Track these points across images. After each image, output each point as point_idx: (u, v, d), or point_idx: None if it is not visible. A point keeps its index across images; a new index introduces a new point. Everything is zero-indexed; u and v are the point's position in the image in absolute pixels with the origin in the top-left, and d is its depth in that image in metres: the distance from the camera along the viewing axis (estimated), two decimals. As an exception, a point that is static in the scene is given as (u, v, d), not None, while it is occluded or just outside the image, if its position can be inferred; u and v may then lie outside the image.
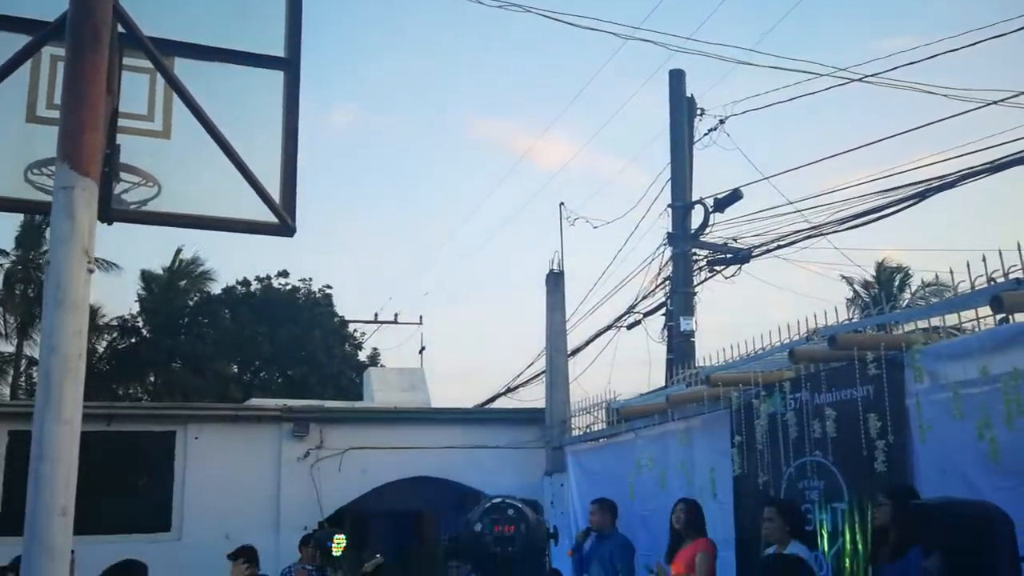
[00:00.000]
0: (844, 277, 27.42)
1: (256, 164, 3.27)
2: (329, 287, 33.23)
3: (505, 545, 2.50)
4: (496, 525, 2.52)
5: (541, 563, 2.84)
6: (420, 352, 26.62)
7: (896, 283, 28.21)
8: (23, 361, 29.04)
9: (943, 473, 5.44)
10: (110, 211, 2.73)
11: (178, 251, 31.79)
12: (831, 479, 6.51)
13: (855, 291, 28.30)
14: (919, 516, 3.96)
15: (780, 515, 6.12)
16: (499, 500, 2.61)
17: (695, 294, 12.78)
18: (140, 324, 31.06)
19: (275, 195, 3.26)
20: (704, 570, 6.79)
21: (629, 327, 15.36)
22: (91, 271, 2.07)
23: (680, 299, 12.59)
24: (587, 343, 16.22)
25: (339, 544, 8.88)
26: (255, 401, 16.35)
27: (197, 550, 10.73)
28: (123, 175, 3.15)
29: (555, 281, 12.83)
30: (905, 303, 7.06)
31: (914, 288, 26.23)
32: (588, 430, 11.13)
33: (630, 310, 14.95)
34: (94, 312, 28.25)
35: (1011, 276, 4.94)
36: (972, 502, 4.12)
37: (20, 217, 29.46)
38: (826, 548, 6.48)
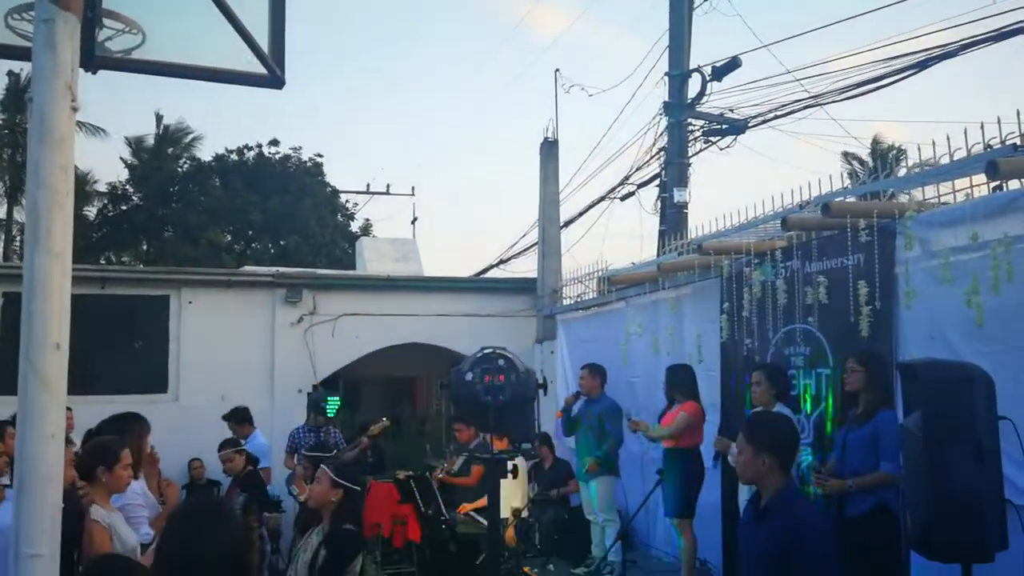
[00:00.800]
0: (846, 153, 27.26)
1: (244, 14, 3.17)
2: (320, 156, 32.92)
3: (495, 394, 2.55)
4: (487, 375, 2.57)
5: (530, 412, 2.92)
6: (412, 223, 26.62)
7: (891, 160, 28.05)
8: (14, 227, 28.92)
9: (927, 338, 5.53)
10: (94, 58, 2.66)
11: (160, 117, 31.28)
12: (817, 345, 6.62)
13: (852, 167, 28.13)
14: (904, 374, 4.04)
15: (767, 379, 6.28)
16: (490, 351, 2.65)
17: (690, 165, 12.69)
18: (130, 191, 30.81)
19: (263, 45, 3.17)
20: (677, 424, 6.97)
21: (623, 198, 15.31)
22: (75, 109, 2.02)
23: (674, 170, 12.50)
24: (580, 214, 16.20)
25: (332, 405, 9.07)
26: (248, 268, 16.38)
27: (193, 411, 10.96)
28: (106, 21, 3.05)
29: (549, 150, 12.71)
30: (901, 174, 7.00)
31: (911, 162, 26.06)
32: (579, 299, 11.22)
33: (624, 181, 14.87)
34: (84, 178, 28.03)
35: (1008, 142, 4.90)
36: (954, 363, 4.22)
37: (4, 80, 28.85)
38: (808, 411, 6.65)
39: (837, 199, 6.13)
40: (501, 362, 2.67)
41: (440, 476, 8.95)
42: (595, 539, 8.26)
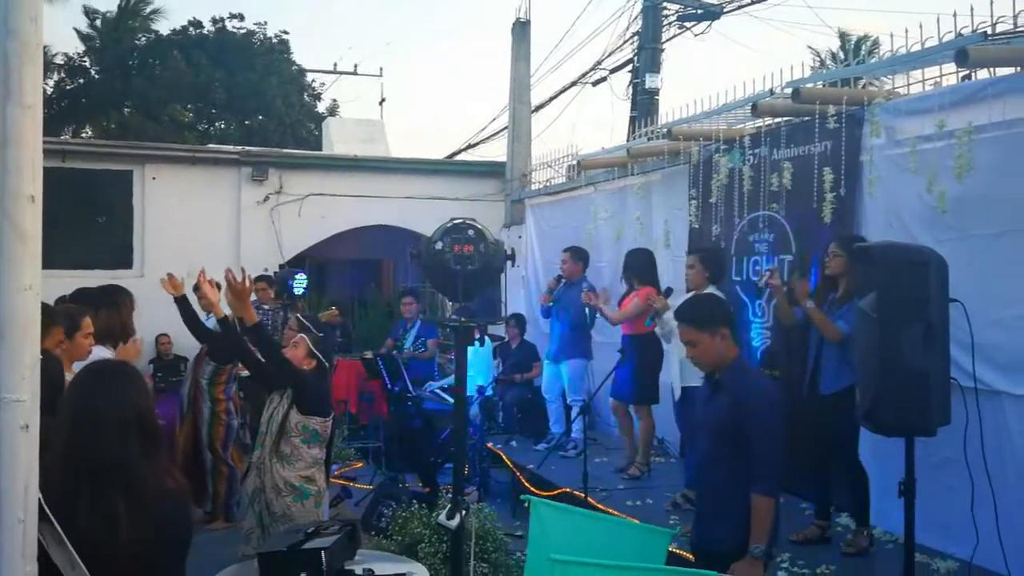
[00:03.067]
0: (809, 47, 26.99)
1: None
2: (286, 33, 32.07)
3: (464, 263, 2.60)
4: (456, 245, 2.61)
5: (497, 281, 2.98)
6: (380, 104, 26.16)
7: (863, 51, 27.83)
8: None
9: (888, 226, 5.64)
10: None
11: (122, -15, 30.14)
12: (780, 231, 6.72)
13: (819, 57, 27.93)
14: (859, 256, 4.14)
15: (701, 262, 6.37)
16: (460, 220, 2.69)
17: (663, 51, 12.57)
18: (87, 64, 29.87)
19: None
20: (630, 310, 7.10)
21: (594, 84, 15.18)
22: (40, -44, 1.98)
23: (648, 54, 12.38)
24: (551, 99, 16.09)
25: (300, 283, 9.11)
26: (214, 145, 16.11)
27: (159, 287, 10.94)
28: None
29: (521, 31, 12.49)
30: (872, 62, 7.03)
31: (883, 52, 25.95)
32: (548, 184, 11.22)
33: (596, 66, 14.73)
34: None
35: (979, 31, 4.91)
36: (909, 246, 4.33)
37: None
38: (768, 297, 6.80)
39: (807, 85, 6.13)
40: (471, 232, 2.71)
41: (402, 354, 9.12)
42: (552, 417, 8.50)
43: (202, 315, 7.05)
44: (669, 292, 6.74)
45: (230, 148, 13.26)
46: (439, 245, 2.70)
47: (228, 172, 11.94)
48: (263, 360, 4.67)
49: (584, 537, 3.86)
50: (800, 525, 5.63)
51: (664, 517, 6.11)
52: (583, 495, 6.44)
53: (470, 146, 21.45)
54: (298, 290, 9.11)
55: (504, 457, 8.10)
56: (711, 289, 6.09)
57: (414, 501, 6.04)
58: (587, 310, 7.92)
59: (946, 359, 3.99)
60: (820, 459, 5.55)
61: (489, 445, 8.32)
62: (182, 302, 6.88)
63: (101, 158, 11.71)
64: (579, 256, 8.26)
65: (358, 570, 3.24)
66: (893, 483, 5.17)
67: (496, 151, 21.74)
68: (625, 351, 6.86)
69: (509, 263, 2.98)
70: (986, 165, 4.93)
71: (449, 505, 2.69)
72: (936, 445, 4.48)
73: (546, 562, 3.13)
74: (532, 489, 7.12)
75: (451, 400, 8.49)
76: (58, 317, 4.36)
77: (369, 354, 9.42)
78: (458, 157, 20.26)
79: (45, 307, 4.25)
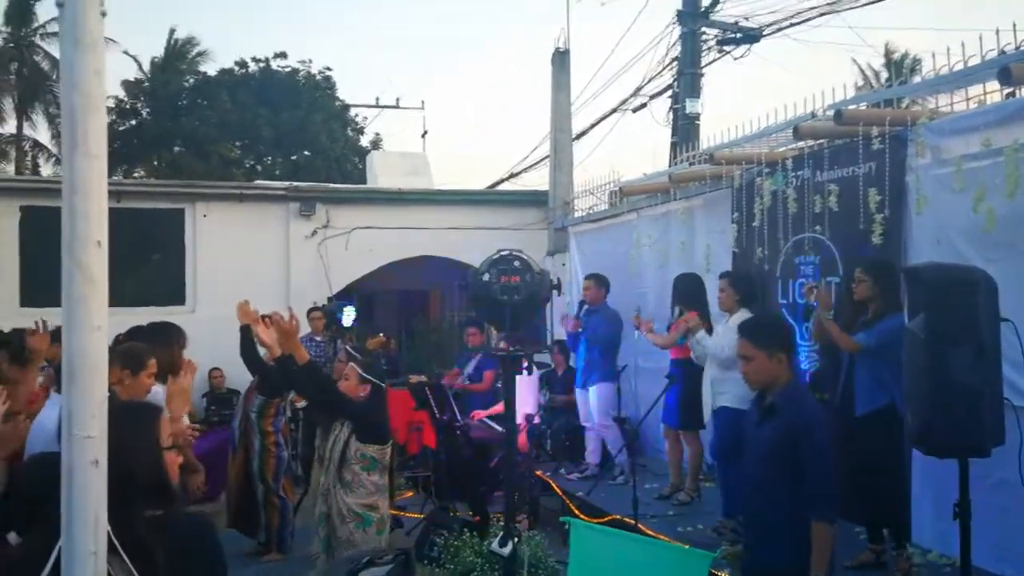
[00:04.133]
0: (854, 61, 26.82)
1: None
2: (329, 69, 32.63)
3: (511, 293, 2.65)
4: (503, 275, 2.67)
5: (541, 311, 3.05)
6: (423, 136, 26.50)
7: (907, 68, 27.58)
8: (26, 142, 28.91)
9: (936, 244, 5.60)
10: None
11: (172, 31, 30.99)
12: (827, 253, 6.69)
13: (864, 75, 27.76)
14: (908, 277, 4.12)
15: (731, 285, 6.39)
16: (506, 252, 2.75)
17: (702, 75, 12.61)
18: (139, 106, 30.64)
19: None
20: (675, 335, 7.11)
21: (634, 110, 15.24)
22: (103, 14, 2.08)
23: (687, 80, 12.43)
24: (592, 126, 16.17)
25: (348, 315, 9.23)
26: (261, 181, 16.41)
27: (211, 322, 11.15)
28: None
29: (561, 60, 12.60)
30: (915, 81, 7.04)
31: (926, 71, 25.69)
32: (591, 211, 11.27)
33: (636, 92, 14.79)
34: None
35: (1022, 48, 4.88)
36: (957, 266, 4.30)
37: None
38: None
39: (850, 107, 6.12)
40: (517, 263, 2.77)
41: (456, 384, 9.16)
42: (589, 446, 8.49)
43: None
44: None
45: (278, 184, 13.52)
46: (486, 276, 2.76)
47: (277, 208, 12.17)
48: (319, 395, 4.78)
49: (624, 559, 3.87)
50: (854, 550, 5.57)
51: (716, 542, 6.07)
52: (634, 521, 6.42)
53: (512, 175, 21.62)
54: (346, 322, 9.23)
55: (553, 485, 8.10)
56: (741, 312, 6.08)
57: (465, 530, 6.07)
58: (599, 330, 8.00)
59: (998, 379, 3.95)
60: (866, 481, 5.48)
61: (538, 473, 8.33)
62: (245, 331, 7.00)
63: (154, 197, 12.02)
64: (601, 283, 8.34)
65: (414, 599, 3.29)
66: (947, 505, 5.12)
67: (538, 179, 21.85)
68: (673, 376, 6.86)
69: (555, 292, 3.03)
70: (1034, 182, 4.88)
71: (501, 533, 2.72)
72: (990, 466, 4.42)
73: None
74: (583, 517, 7.11)
75: (499, 428, 8.55)
76: (117, 355, 4.48)
77: (414, 378, 9.49)
78: (501, 186, 20.42)
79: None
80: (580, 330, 8.31)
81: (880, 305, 5.33)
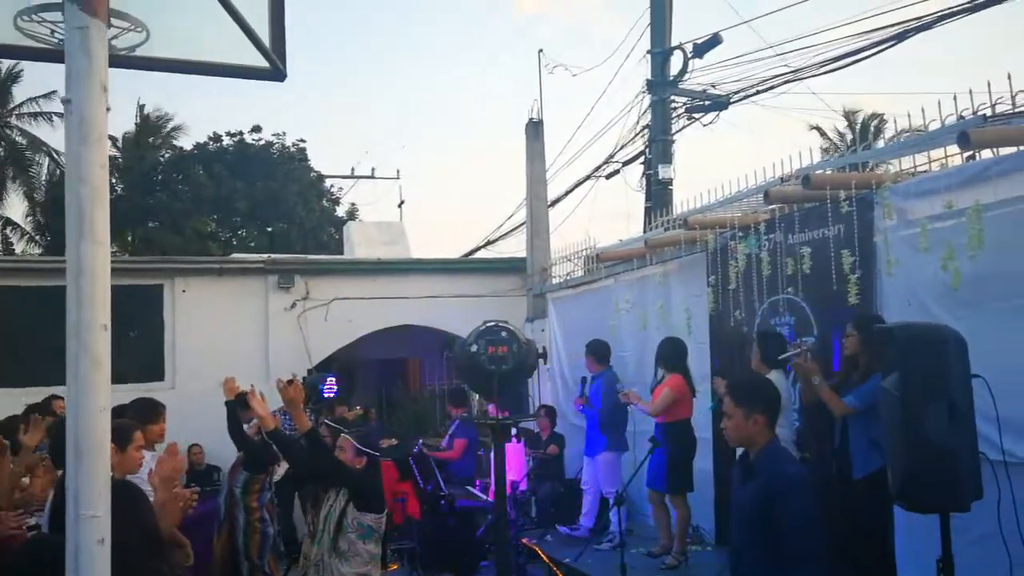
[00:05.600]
0: (814, 127, 27.49)
1: (244, 7, 3.31)
2: (303, 141, 32.93)
3: (499, 363, 2.74)
4: (490, 346, 2.76)
5: (528, 378, 3.13)
6: (399, 206, 26.81)
7: (871, 130, 28.28)
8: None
9: (907, 304, 5.74)
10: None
11: (141, 106, 31.22)
12: (801, 314, 6.83)
13: (829, 139, 28.43)
14: (881, 338, 4.24)
15: (758, 346, 6.45)
16: (492, 323, 2.84)
17: (673, 142, 12.87)
18: (113, 182, 30.70)
19: (264, 39, 3.31)
20: (660, 401, 7.19)
21: (608, 176, 15.49)
22: (108, 109, 2.18)
23: (659, 147, 12.69)
24: (566, 193, 16.36)
25: (331, 386, 9.24)
26: (240, 255, 16.47)
27: (191, 398, 11.09)
28: (114, 21, 3.21)
29: (534, 130, 12.86)
30: (878, 146, 7.31)
31: (889, 134, 26.36)
32: (568, 277, 11.41)
33: (609, 159, 15.04)
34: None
35: (979, 113, 5.09)
36: (928, 325, 4.41)
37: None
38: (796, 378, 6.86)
39: (817, 171, 6.32)
40: (504, 334, 2.86)
41: (426, 452, 9.18)
42: (584, 508, 8.50)
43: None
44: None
45: (256, 257, 13.58)
46: (474, 347, 2.84)
47: (255, 281, 12.21)
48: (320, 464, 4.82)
49: None
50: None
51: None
52: (622, 587, 6.40)
53: (489, 242, 21.78)
54: (328, 394, 9.24)
55: (540, 552, 8.07)
56: (774, 373, 6.07)
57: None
58: (590, 394, 8.07)
59: (972, 434, 4.04)
60: (855, 546, 5.53)
61: (524, 540, 8.30)
62: (232, 406, 7.03)
63: (133, 274, 12.01)
64: (590, 351, 8.38)
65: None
66: (930, 561, 5.20)
67: (515, 246, 22.04)
68: (656, 440, 6.91)
69: (541, 361, 3.12)
70: (996, 241, 5.05)
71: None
72: (971, 521, 4.48)
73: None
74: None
75: (483, 497, 8.55)
76: (113, 434, 4.48)
77: (385, 442, 9.46)
78: (478, 253, 20.57)
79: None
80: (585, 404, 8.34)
81: (868, 360, 5.41)
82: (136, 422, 4.92)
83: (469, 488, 8.67)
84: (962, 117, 5.21)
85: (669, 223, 8.90)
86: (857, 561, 5.48)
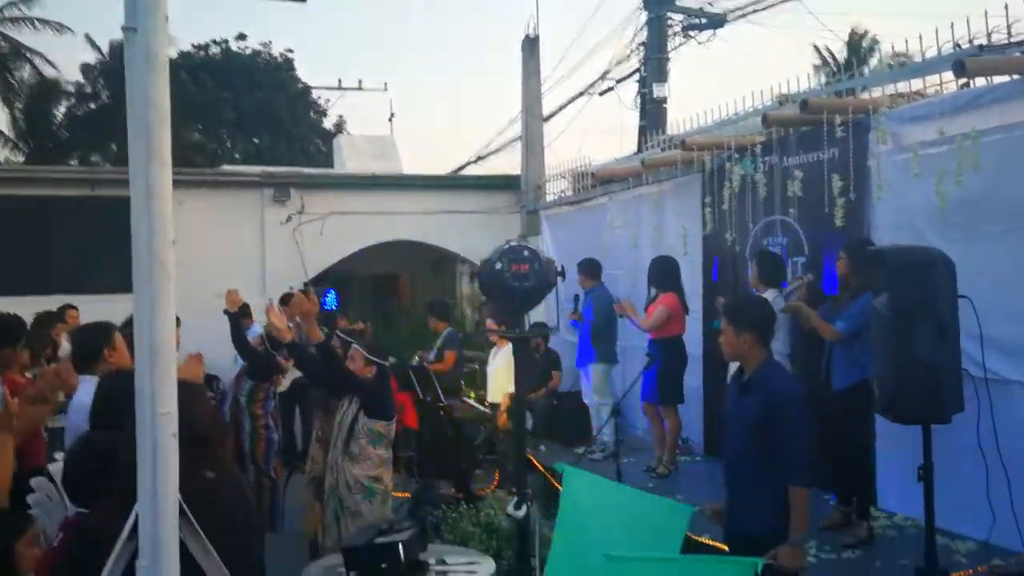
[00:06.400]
0: (814, 46, 27.33)
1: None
2: (290, 51, 32.51)
3: (522, 280, 2.93)
4: (514, 264, 2.94)
5: (547, 295, 3.32)
6: (389, 119, 26.53)
7: (864, 50, 28.09)
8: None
9: (896, 227, 5.95)
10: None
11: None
12: (794, 236, 7.04)
13: (824, 58, 28.25)
14: (872, 260, 4.45)
15: (757, 264, 6.67)
16: (515, 243, 3.02)
17: (668, 60, 12.91)
18: (100, 88, 30.26)
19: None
20: (655, 319, 7.42)
21: (601, 94, 15.52)
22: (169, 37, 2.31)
23: (654, 64, 12.73)
24: (559, 109, 16.42)
25: (330, 301, 9.44)
26: (234, 167, 16.44)
27: (188, 309, 11.23)
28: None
29: (530, 47, 12.83)
30: (873, 67, 7.38)
31: (883, 55, 26.27)
32: (562, 195, 11.54)
33: (603, 76, 15.06)
34: (54, 81, 27.71)
35: (975, 43, 5.22)
36: (919, 248, 4.62)
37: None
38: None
39: (815, 96, 6.44)
40: (526, 252, 3.04)
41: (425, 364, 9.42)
42: (594, 423, 8.80)
43: None
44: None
45: (251, 170, 13.63)
46: (498, 266, 3.02)
47: (251, 194, 12.30)
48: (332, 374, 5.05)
49: (610, 506, 4.17)
50: (822, 513, 5.93)
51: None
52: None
53: (480, 158, 21.82)
54: (329, 307, 9.43)
55: (535, 462, 8.38)
56: (769, 292, 6.23)
57: (460, 503, 6.35)
58: (606, 317, 8.27)
59: (957, 352, 4.29)
60: (838, 450, 5.85)
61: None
62: (234, 318, 7.21)
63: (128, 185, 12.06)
64: (582, 269, 8.57)
65: (432, 560, 3.57)
66: (910, 472, 5.51)
67: (505, 162, 22.07)
68: (652, 355, 7.16)
69: (560, 278, 3.32)
70: (987, 167, 5.23)
71: (516, 498, 3.01)
72: (950, 433, 4.75)
73: (595, 554, 3.45)
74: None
75: (481, 408, 8.85)
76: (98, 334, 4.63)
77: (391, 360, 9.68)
78: (469, 169, 20.62)
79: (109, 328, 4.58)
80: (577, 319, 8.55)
81: (855, 283, 5.64)
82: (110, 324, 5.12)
83: (466, 399, 8.96)
84: (958, 45, 5.34)
85: (666, 143, 9.01)
86: (840, 464, 5.81)
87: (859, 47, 28.16)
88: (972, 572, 4.83)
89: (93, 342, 4.36)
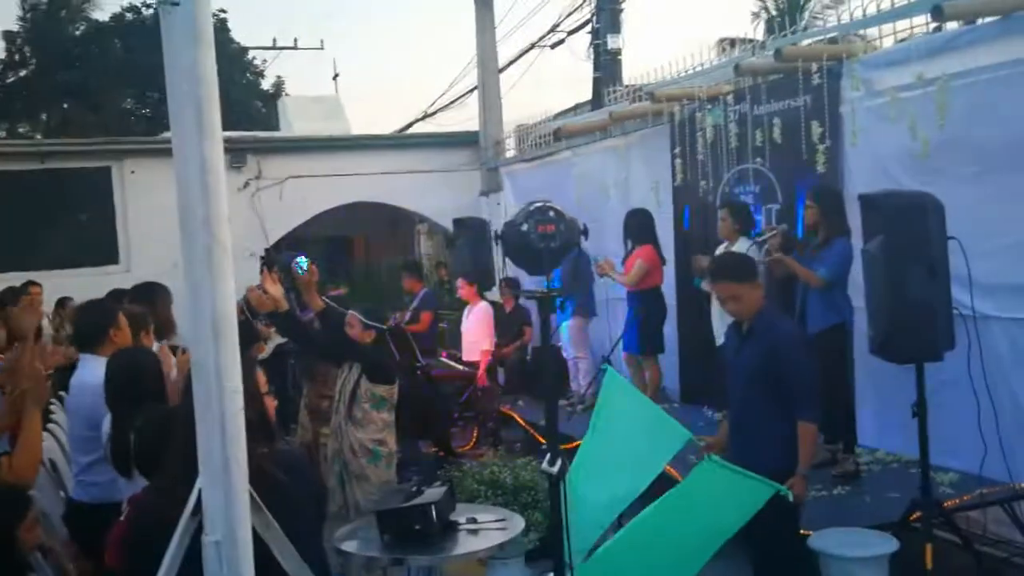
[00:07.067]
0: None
1: None
2: (223, 11, 31.68)
3: (548, 241, 2.96)
4: (539, 225, 2.96)
5: (571, 252, 3.36)
6: (334, 79, 26.19)
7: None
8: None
9: (872, 172, 6.06)
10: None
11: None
12: (766, 183, 7.14)
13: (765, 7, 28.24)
14: (865, 204, 4.55)
15: (732, 215, 6.77)
16: (540, 204, 3.03)
17: (622, 10, 12.88)
18: (27, 55, 29.24)
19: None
20: (635, 273, 7.50)
21: (552, 46, 15.47)
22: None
23: (607, 15, 12.68)
24: (511, 63, 16.32)
25: (301, 266, 9.33)
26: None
27: (148, 280, 11.10)
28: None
29: (484, 1, 12.70)
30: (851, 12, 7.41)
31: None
32: (523, 150, 11.51)
33: (554, 28, 15.00)
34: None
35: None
36: (910, 193, 4.73)
37: None
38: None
39: (789, 44, 6.50)
40: (551, 213, 3.06)
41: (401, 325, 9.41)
42: (571, 374, 8.91)
43: None
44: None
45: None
46: (524, 227, 3.04)
47: (206, 160, 12.05)
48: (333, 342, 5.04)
49: (630, 410, 4.58)
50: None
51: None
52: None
53: (427, 115, 21.64)
54: (301, 272, 9.34)
55: (516, 416, 8.48)
56: (741, 241, 6.38)
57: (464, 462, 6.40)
58: (573, 274, 8.33)
59: (947, 291, 4.42)
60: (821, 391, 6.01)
61: (499, 407, 8.69)
62: None
63: (79, 157, 11.77)
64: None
65: (462, 519, 3.63)
66: (890, 410, 5.75)
67: (455, 118, 21.88)
68: (632, 307, 7.25)
69: (583, 237, 3.35)
70: (962, 110, 5.35)
71: (549, 453, 3.07)
72: (935, 370, 4.89)
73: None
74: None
75: (460, 367, 8.89)
76: (101, 314, 4.57)
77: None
78: (420, 126, 20.46)
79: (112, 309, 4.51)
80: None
81: (826, 230, 5.77)
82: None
83: (444, 359, 9.00)
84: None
85: (634, 95, 9.01)
86: (827, 402, 5.96)
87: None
88: (960, 500, 5.02)
89: (99, 322, 4.28)
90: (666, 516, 3.81)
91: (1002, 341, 5.30)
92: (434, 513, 3.42)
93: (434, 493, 3.58)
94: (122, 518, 3.01)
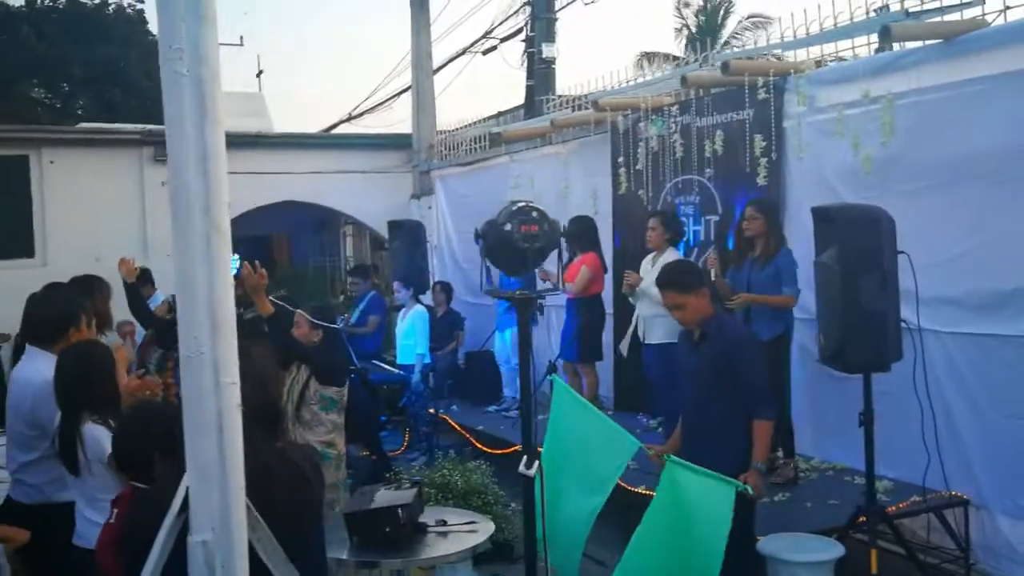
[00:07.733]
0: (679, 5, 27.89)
1: None
2: (140, 2, 30.81)
3: (532, 241, 2.92)
4: (523, 225, 2.93)
5: (548, 255, 3.33)
6: (258, 76, 25.68)
7: (721, 14, 28.74)
8: None
9: (814, 186, 6.20)
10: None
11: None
12: (706, 194, 7.24)
13: (686, 24, 28.78)
14: (819, 216, 4.65)
15: (662, 224, 6.86)
16: (523, 204, 2.99)
17: (557, 20, 12.93)
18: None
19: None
20: (580, 280, 7.51)
21: (484, 53, 15.45)
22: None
23: (542, 24, 12.71)
24: (441, 67, 16.23)
25: (233, 264, 9.12)
26: (111, 125, 15.52)
27: (65, 275, 10.62)
28: None
29: (420, 2, 12.61)
30: (785, 32, 7.56)
31: (737, 20, 27.34)
32: (457, 153, 11.44)
33: (487, 35, 14.99)
34: None
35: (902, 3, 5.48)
36: (864, 206, 4.85)
37: None
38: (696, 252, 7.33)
39: (736, 58, 6.62)
40: (534, 213, 3.03)
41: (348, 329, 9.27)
42: (504, 380, 8.87)
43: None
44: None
45: (131, 127, 12.88)
46: (507, 227, 3.00)
47: (129, 153, 11.67)
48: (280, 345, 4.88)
49: (580, 420, 4.63)
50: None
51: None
52: (539, 448, 6.82)
53: (352, 117, 21.42)
54: (232, 271, 9.11)
55: (451, 421, 8.41)
56: (670, 251, 6.49)
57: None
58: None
59: (897, 303, 4.56)
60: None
61: (431, 410, 8.61)
62: (132, 288, 6.90)
63: (-6, 144, 11.26)
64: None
65: (431, 522, 3.56)
66: (824, 420, 5.90)
67: (382, 121, 21.70)
68: (571, 314, 7.26)
69: (563, 239, 3.33)
70: (906, 128, 5.52)
71: (526, 456, 3.03)
72: (889, 378, 4.99)
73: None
74: (485, 449, 7.51)
75: (394, 371, 8.79)
76: (66, 313, 4.38)
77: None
78: (341, 127, 20.21)
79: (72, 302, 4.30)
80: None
81: (770, 241, 5.87)
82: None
83: (378, 362, 8.88)
84: (886, 7, 5.57)
85: (574, 103, 9.05)
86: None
87: (716, 11, 28.93)
88: (901, 506, 5.15)
89: (59, 320, 4.05)
90: (660, 533, 3.81)
91: (937, 354, 5.46)
92: (401, 515, 3.35)
93: (404, 495, 3.51)
94: (111, 520, 2.88)
